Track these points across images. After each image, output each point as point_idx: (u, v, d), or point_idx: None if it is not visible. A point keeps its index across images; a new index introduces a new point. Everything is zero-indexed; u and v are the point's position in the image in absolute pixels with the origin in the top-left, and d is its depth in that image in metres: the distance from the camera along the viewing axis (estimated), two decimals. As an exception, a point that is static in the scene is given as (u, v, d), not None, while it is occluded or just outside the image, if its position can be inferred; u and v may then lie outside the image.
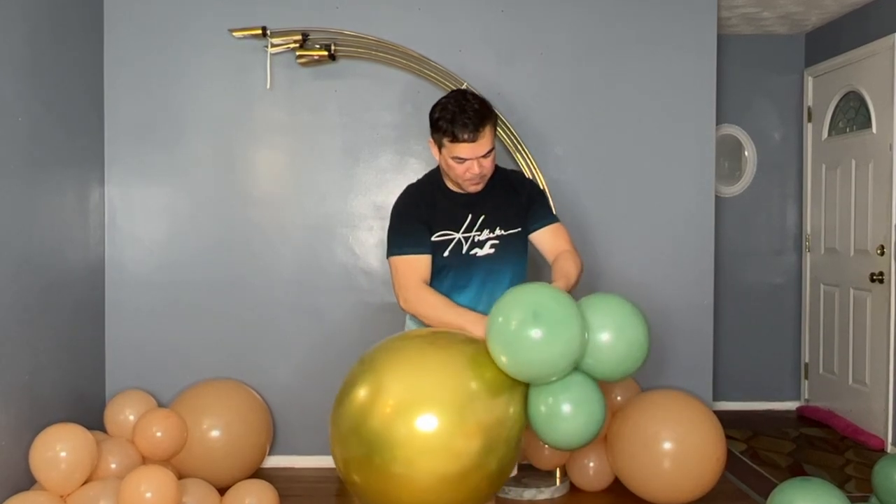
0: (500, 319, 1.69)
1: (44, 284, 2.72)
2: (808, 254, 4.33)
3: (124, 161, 3.22)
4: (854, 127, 3.94)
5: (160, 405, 3.04)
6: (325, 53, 3.12)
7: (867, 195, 3.77)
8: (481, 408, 1.63)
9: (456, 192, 2.03)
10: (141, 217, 3.24)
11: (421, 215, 1.99)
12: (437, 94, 3.22)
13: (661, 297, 3.32)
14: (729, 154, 4.36)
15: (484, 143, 1.90)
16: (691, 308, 3.34)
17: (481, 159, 1.92)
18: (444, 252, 1.99)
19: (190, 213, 3.25)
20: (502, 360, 1.69)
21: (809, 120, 4.30)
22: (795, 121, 4.36)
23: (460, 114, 1.88)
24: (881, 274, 3.64)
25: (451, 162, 1.93)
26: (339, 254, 3.28)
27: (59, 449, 2.34)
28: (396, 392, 1.63)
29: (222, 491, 2.57)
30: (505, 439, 1.66)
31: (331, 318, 3.26)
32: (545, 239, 2.10)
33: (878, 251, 3.66)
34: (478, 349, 1.74)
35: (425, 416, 1.58)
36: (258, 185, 3.28)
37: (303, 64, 3.17)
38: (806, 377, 4.32)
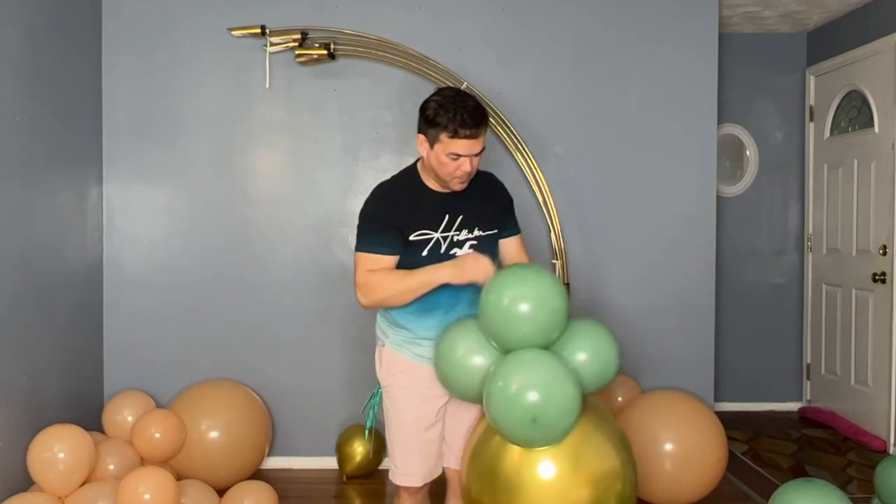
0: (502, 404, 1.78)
1: (42, 285, 2.71)
2: (810, 254, 4.31)
3: (123, 160, 3.22)
4: (856, 126, 3.93)
5: (159, 406, 3.03)
6: (325, 52, 3.11)
7: (869, 195, 3.76)
8: (592, 460, 1.81)
9: (434, 191, 2.01)
10: (139, 217, 3.23)
11: (394, 219, 1.95)
12: (437, 94, 3.23)
13: (663, 298, 3.31)
14: (730, 153, 4.34)
15: (480, 140, 1.93)
16: (692, 308, 3.33)
17: (473, 157, 1.93)
18: (422, 251, 1.97)
19: (189, 212, 3.24)
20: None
21: (811, 119, 4.29)
22: (797, 120, 4.35)
23: (462, 110, 1.88)
24: (883, 274, 3.62)
25: (444, 158, 1.91)
26: (338, 254, 3.27)
27: (58, 450, 2.34)
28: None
29: (221, 492, 2.56)
30: (616, 494, 1.83)
31: (330, 318, 3.25)
32: (511, 247, 2.15)
33: (881, 251, 3.65)
34: (596, 408, 1.93)
35: (545, 463, 1.78)
36: (257, 185, 3.26)
37: (302, 63, 3.16)
38: (808, 378, 4.31)
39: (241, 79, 3.22)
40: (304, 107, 3.24)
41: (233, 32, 3.13)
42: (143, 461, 2.70)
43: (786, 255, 4.38)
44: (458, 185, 1.97)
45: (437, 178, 1.98)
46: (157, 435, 2.72)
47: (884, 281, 3.62)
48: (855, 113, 3.95)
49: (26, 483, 2.49)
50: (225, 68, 3.22)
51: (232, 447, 2.89)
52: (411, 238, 1.96)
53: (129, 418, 2.84)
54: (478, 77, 3.20)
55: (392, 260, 1.95)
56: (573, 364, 1.85)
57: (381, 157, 3.27)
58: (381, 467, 3.23)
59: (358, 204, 3.20)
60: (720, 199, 4.10)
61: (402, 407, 2.04)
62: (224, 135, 3.24)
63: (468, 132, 1.88)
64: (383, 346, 2.09)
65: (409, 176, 2.04)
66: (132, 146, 3.21)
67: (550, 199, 3.21)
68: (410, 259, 1.97)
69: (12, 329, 2.51)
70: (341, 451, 3.12)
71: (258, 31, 3.10)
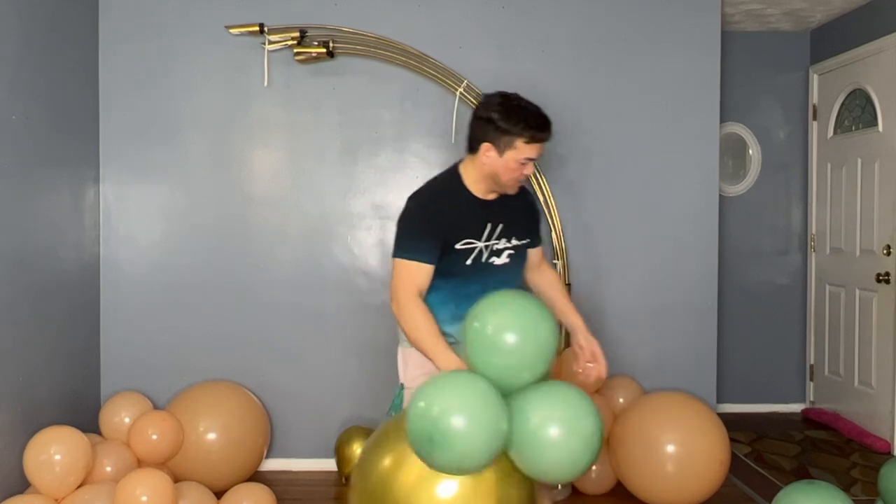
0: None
1: (38, 285, 2.70)
2: (814, 254, 4.28)
3: (120, 160, 3.20)
4: (860, 125, 3.90)
5: (156, 407, 3.01)
6: (324, 50, 3.09)
7: (873, 194, 3.73)
8: (495, 475, 1.68)
9: (477, 198, 2.03)
10: (136, 217, 3.21)
11: (439, 227, 1.97)
12: (436, 92, 3.21)
13: (665, 298, 3.29)
14: (733, 153, 4.32)
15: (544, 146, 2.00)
16: (695, 309, 3.31)
17: (534, 161, 2.00)
18: (466, 260, 2.00)
19: (186, 212, 3.22)
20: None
21: (815, 118, 4.26)
22: (800, 119, 4.32)
23: (536, 116, 1.94)
24: (887, 274, 3.59)
25: (513, 164, 1.95)
26: (337, 254, 3.25)
27: (54, 452, 2.33)
28: (418, 463, 1.68)
29: (219, 494, 2.55)
30: (517, 499, 1.72)
31: (329, 318, 3.23)
32: (533, 255, 2.20)
33: (885, 251, 3.62)
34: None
35: (446, 482, 1.66)
36: (255, 185, 3.24)
37: (301, 61, 3.14)
38: (811, 379, 4.28)
39: (238, 77, 3.20)
40: (302, 106, 3.22)
41: (231, 30, 3.11)
42: (140, 463, 2.69)
43: (789, 254, 4.35)
44: (513, 190, 2.04)
45: (491, 183, 2.01)
46: (155, 436, 2.70)
47: (888, 281, 3.59)
48: (859, 112, 3.92)
49: (23, 485, 2.47)
50: (222, 67, 3.20)
51: (230, 449, 2.87)
52: (457, 247, 1.98)
53: (127, 420, 2.82)
54: (478, 75, 3.18)
55: (431, 269, 1.97)
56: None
57: (380, 156, 3.25)
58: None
59: (357, 203, 3.26)
60: (723, 199, 4.07)
61: None
62: (222, 134, 3.22)
63: (544, 136, 1.95)
64: (408, 346, 2.10)
65: (452, 182, 2.05)
66: (129, 146, 3.20)
67: (551, 198, 3.19)
68: (453, 267, 1.99)
69: (8, 330, 2.49)
70: (340, 453, 3.09)
71: (256, 29, 3.08)
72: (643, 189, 3.29)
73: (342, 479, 3.10)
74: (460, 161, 2.08)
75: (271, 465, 3.22)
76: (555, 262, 3.20)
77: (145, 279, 3.20)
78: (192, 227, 3.22)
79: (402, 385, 2.17)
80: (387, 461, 1.75)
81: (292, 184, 3.25)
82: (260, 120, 3.23)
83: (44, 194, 2.76)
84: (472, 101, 3.16)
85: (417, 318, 1.93)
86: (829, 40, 4.11)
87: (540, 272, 2.23)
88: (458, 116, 3.19)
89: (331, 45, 3.11)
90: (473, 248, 2.00)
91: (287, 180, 3.25)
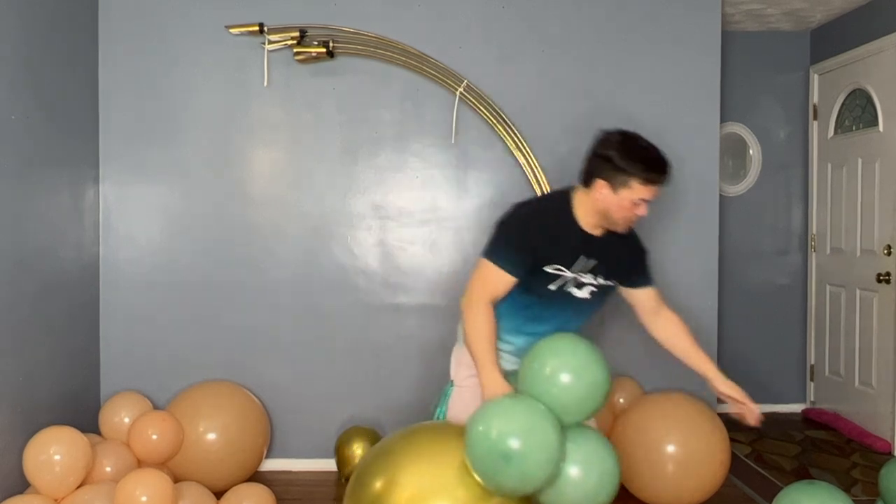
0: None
1: (37, 285, 2.69)
2: (814, 254, 4.28)
3: (119, 160, 3.19)
4: (860, 125, 3.90)
5: (156, 407, 3.00)
6: (324, 50, 3.09)
7: (874, 194, 3.73)
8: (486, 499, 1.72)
9: (581, 230, 2.03)
10: (136, 216, 3.21)
11: (535, 245, 1.98)
12: (436, 92, 3.21)
13: (664, 298, 3.27)
14: (733, 153, 4.32)
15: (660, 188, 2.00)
16: (695, 309, 3.29)
17: (648, 204, 1.99)
18: (549, 284, 2.01)
19: (186, 212, 3.22)
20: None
21: (815, 118, 4.25)
22: (801, 119, 4.32)
23: (653, 160, 1.95)
24: (888, 274, 3.59)
25: (626, 203, 1.96)
26: (337, 254, 3.24)
27: (53, 452, 2.32)
28: (411, 484, 1.74)
29: (219, 494, 2.54)
30: None
31: (329, 318, 3.23)
32: (645, 296, 2.18)
33: (885, 251, 3.61)
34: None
35: None
36: (255, 185, 3.24)
37: (300, 61, 3.14)
38: (811, 379, 4.28)
39: (238, 77, 3.19)
40: (302, 105, 3.22)
41: (230, 30, 3.10)
42: (139, 463, 2.68)
43: (789, 255, 4.35)
44: (624, 228, 2.04)
45: (602, 219, 2.01)
46: (155, 437, 2.70)
47: (888, 281, 3.59)
48: (859, 112, 3.92)
49: (22, 485, 2.47)
50: (222, 66, 3.19)
51: (230, 449, 2.86)
52: (545, 269, 2.00)
53: (126, 420, 2.82)
54: (478, 75, 3.17)
55: (513, 281, 1.99)
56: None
57: (380, 156, 3.25)
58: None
59: (357, 203, 3.26)
60: (723, 199, 4.07)
61: (466, 409, 2.05)
62: (221, 134, 3.22)
63: (661, 178, 1.96)
64: (464, 347, 2.12)
65: (561, 205, 2.05)
66: (129, 145, 3.19)
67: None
68: (535, 286, 2.01)
69: (8, 330, 2.49)
70: (340, 454, 3.09)
71: (256, 28, 3.07)
72: (643, 189, 3.28)
73: (342, 479, 3.10)
74: (573, 187, 2.07)
75: (271, 465, 3.22)
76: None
77: (145, 279, 3.19)
78: (192, 226, 3.22)
79: (451, 382, 2.20)
80: (379, 484, 1.77)
81: (292, 184, 3.24)
82: (260, 120, 3.22)
83: (43, 194, 2.76)
84: (472, 101, 3.16)
85: (481, 324, 1.96)
86: (830, 40, 4.11)
87: (661, 319, 2.19)
88: (458, 116, 3.19)
89: (331, 44, 3.10)
90: (560, 275, 2.01)
91: (287, 180, 3.24)
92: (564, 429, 1.77)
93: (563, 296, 2.03)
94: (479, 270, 2.02)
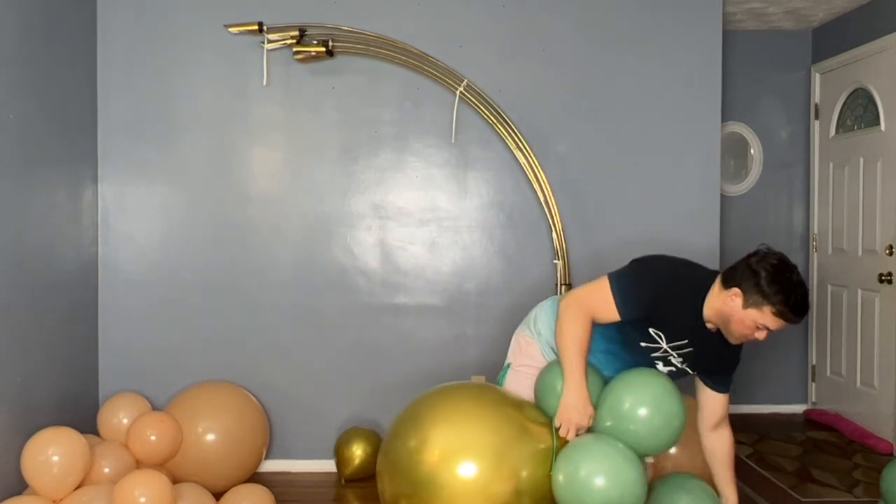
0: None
1: (36, 285, 2.68)
2: (816, 254, 4.27)
3: (118, 159, 3.18)
4: (862, 124, 3.88)
5: (154, 408, 3.00)
6: (323, 49, 3.08)
7: (875, 194, 3.72)
8: (515, 455, 1.88)
9: (698, 317, 2.00)
10: (135, 216, 3.20)
11: (657, 306, 1.98)
12: (436, 91, 3.20)
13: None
14: (734, 152, 4.30)
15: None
16: (696, 309, 3.29)
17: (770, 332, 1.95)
18: (641, 341, 2.03)
19: (185, 212, 3.21)
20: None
21: (816, 117, 4.24)
22: (802, 118, 4.30)
23: (802, 300, 1.89)
24: (889, 274, 3.58)
25: (749, 323, 1.92)
26: (336, 254, 3.23)
27: (52, 453, 2.31)
28: (442, 442, 1.90)
29: (218, 495, 2.53)
30: (537, 479, 1.89)
31: (328, 319, 3.22)
32: (717, 402, 2.16)
33: (887, 251, 3.60)
34: (519, 409, 2.00)
35: (467, 463, 1.85)
36: (254, 184, 3.23)
37: (300, 60, 3.12)
38: (813, 380, 4.26)
39: (237, 76, 3.18)
40: (301, 105, 3.21)
41: (230, 29, 3.09)
42: (138, 464, 2.67)
43: (791, 254, 4.22)
44: (733, 340, 2.00)
45: (718, 322, 1.98)
46: (153, 437, 2.68)
47: (890, 281, 3.57)
48: (861, 111, 3.90)
49: (20, 486, 2.46)
50: (221, 65, 3.18)
51: (229, 450, 2.85)
52: (650, 329, 2.01)
53: (125, 421, 2.80)
54: (478, 74, 3.16)
55: (617, 318, 2.00)
56: None
57: (379, 155, 3.24)
58: (380, 470, 3.19)
59: (356, 203, 3.24)
60: (724, 199, 4.06)
61: (522, 390, 2.15)
62: (221, 133, 3.21)
63: (795, 319, 1.90)
64: (531, 338, 2.21)
65: (697, 287, 2.02)
66: (127, 144, 3.18)
67: (552, 198, 3.17)
68: (631, 332, 2.03)
69: (6, 330, 2.48)
70: (340, 454, 3.08)
71: (255, 27, 3.06)
72: (644, 189, 3.27)
73: (341, 480, 3.09)
74: (717, 275, 2.02)
75: (270, 465, 3.21)
76: (555, 262, 3.18)
77: (144, 279, 3.18)
78: (191, 226, 3.21)
79: (508, 364, 2.24)
80: (412, 442, 1.91)
81: (291, 183, 3.23)
82: (259, 119, 3.21)
83: (41, 194, 2.75)
84: (472, 100, 3.15)
85: (577, 332, 1.98)
86: (831, 39, 4.09)
87: (718, 434, 2.18)
88: (458, 116, 3.18)
89: (330, 43, 3.09)
90: (656, 344, 2.03)
91: (286, 180, 3.23)
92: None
93: (646, 359, 2.06)
94: (599, 286, 2.02)
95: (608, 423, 1.94)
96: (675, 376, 2.09)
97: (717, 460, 2.19)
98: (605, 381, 2.07)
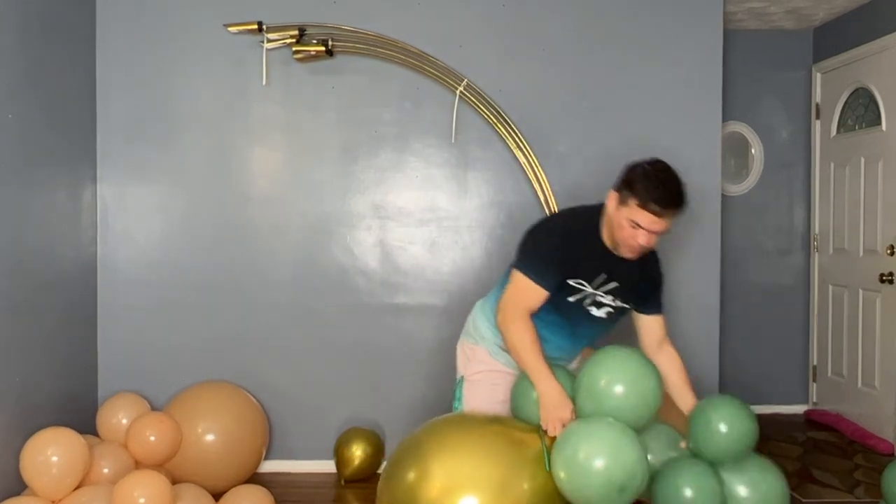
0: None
1: (35, 285, 2.68)
2: (817, 254, 4.26)
3: (117, 159, 3.18)
4: (863, 124, 3.88)
5: (154, 408, 2.99)
6: (323, 49, 3.07)
7: (877, 194, 3.71)
8: (519, 490, 1.80)
9: (605, 246, 2.05)
10: (134, 216, 3.19)
11: (564, 258, 2.01)
12: (436, 91, 3.19)
13: (666, 298, 3.25)
14: (735, 152, 4.29)
15: (665, 222, 1.95)
16: (697, 309, 3.28)
17: (651, 234, 1.96)
18: (570, 296, 2.04)
19: (184, 212, 3.20)
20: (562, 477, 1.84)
21: (818, 117, 4.23)
22: (803, 118, 4.29)
23: (662, 187, 1.92)
24: (891, 274, 3.57)
25: (624, 222, 1.96)
26: (336, 254, 3.23)
27: (51, 453, 2.30)
28: (441, 476, 1.82)
29: (217, 496, 2.53)
30: None
31: (328, 319, 3.21)
32: (653, 324, 2.19)
33: (888, 251, 3.59)
34: (521, 441, 1.91)
35: (468, 497, 1.76)
36: (254, 184, 3.22)
37: (299, 60, 3.12)
38: (814, 380, 4.25)
39: (237, 76, 3.17)
40: (301, 104, 3.20)
41: (229, 28, 3.08)
42: (137, 465, 2.66)
43: (792, 254, 4.32)
44: (626, 253, 2.02)
45: (610, 237, 2.03)
46: (153, 438, 2.68)
47: (891, 281, 3.56)
48: (862, 111, 3.90)
49: (19, 487, 2.46)
50: (221, 65, 3.18)
51: (228, 450, 2.84)
52: (569, 281, 2.02)
53: (124, 421, 2.80)
54: (478, 74, 3.15)
55: (546, 295, 2.01)
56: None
57: (379, 155, 3.23)
58: (379, 471, 3.18)
59: (356, 203, 3.24)
60: (725, 198, 4.03)
61: (483, 398, 2.14)
62: (220, 133, 3.20)
63: (658, 209, 1.92)
64: (475, 344, 2.20)
65: (589, 221, 2.07)
66: (127, 144, 3.18)
67: (552, 197, 3.16)
68: (556, 296, 2.03)
69: (5, 330, 2.47)
70: (339, 455, 3.08)
71: (255, 27, 3.05)
72: (645, 188, 3.27)
73: (341, 480, 3.08)
74: (604, 205, 2.06)
75: (270, 466, 3.20)
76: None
77: (143, 279, 3.18)
78: (191, 226, 3.20)
79: (461, 377, 2.22)
80: (412, 475, 1.84)
81: (291, 183, 3.22)
82: (258, 119, 3.20)
83: (41, 193, 2.74)
84: (472, 100, 3.14)
85: (524, 338, 1.98)
86: (832, 39, 4.08)
87: (663, 353, 2.19)
88: (458, 115, 3.17)
89: (330, 43, 3.08)
90: (581, 291, 2.04)
91: (286, 180, 3.23)
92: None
93: (580, 311, 2.06)
94: (515, 282, 2.03)
95: (589, 407, 1.90)
96: (613, 317, 2.11)
97: (670, 379, 2.17)
98: (572, 374, 2.06)
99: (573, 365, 2.22)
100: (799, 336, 4.31)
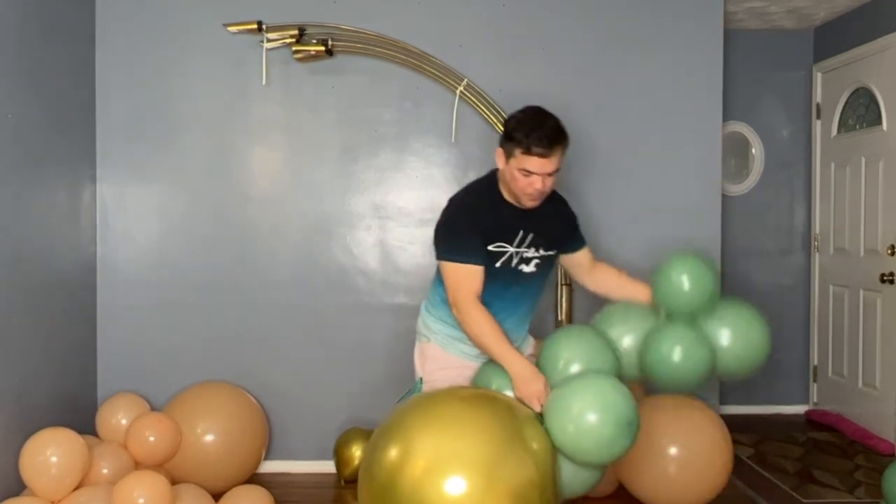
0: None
1: (34, 285, 2.68)
2: (817, 254, 4.25)
3: (117, 159, 3.17)
4: (864, 124, 3.87)
5: (153, 409, 2.99)
6: (323, 49, 3.07)
7: (877, 194, 3.70)
8: (510, 472, 1.66)
9: (511, 205, 2.07)
10: (134, 216, 3.19)
11: (479, 226, 2.02)
12: (436, 91, 3.19)
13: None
14: (736, 152, 4.29)
15: (553, 161, 1.97)
16: (697, 309, 3.27)
17: (546, 177, 1.98)
18: (496, 262, 2.04)
19: (184, 212, 3.20)
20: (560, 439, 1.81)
21: (818, 117, 4.23)
22: (804, 118, 4.29)
23: (538, 128, 1.95)
24: (891, 274, 3.56)
25: (516, 173, 1.98)
26: (336, 254, 3.22)
27: (50, 454, 2.30)
28: (427, 453, 1.68)
29: (217, 497, 2.52)
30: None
31: (328, 319, 3.21)
32: (582, 258, 2.26)
33: (889, 251, 3.59)
34: (512, 414, 1.80)
35: (454, 478, 1.63)
36: (254, 184, 3.22)
37: (299, 59, 3.11)
38: (815, 380, 4.25)
39: (237, 75, 3.17)
40: (301, 104, 3.20)
41: (229, 28, 3.08)
42: (137, 465, 2.66)
43: (792, 255, 4.32)
44: (528, 202, 2.03)
45: (509, 192, 2.05)
46: (152, 438, 2.67)
47: (892, 281, 3.56)
48: (863, 110, 3.89)
49: (18, 487, 2.45)
50: (220, 65, 3.17)
51: (228, 451, 2.84)
52: (490, 248, 2.03)
53: (124, 421, 2.80)
54: (478, 74, 3.15)
55: (481, 271, 2.00)
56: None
57: (379, 155, 3.23)
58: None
59: (356, 203, 3.23)
60: (725, 198, 4.04)
61: None
62: (220, 132, 3.20)
63: (540, 150, 1.93)
64: (428, 342, 2.18)
65: (488, 186, 2.10)
66: (126, 144, 3.17)
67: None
68: (486, 268, 2.03)
69: (4, 330, 2.47)
70: (339, 455, 3.07)
71: (254, 26, 3.05)
72: (645, 188, 3.26)
73: (341, 481, 3.08)
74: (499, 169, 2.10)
75: (270, 467, 3.20)
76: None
77: (143, 279, 3.17)
78: (190, 226, 3.20)
79: (420, 379, 2.21)
80: (393, 454, 1.71)
81: (291, 183, 3.22)
82: (258, 119, 3.20)
83: (40, 193, 2.74)
84: (472, 100, 3.14)
85: (482, 324, 1.97)
86: (833, 38, 4.08)
87: (597, 271, 2.26)
88: (458, 115, 3.16)
89: (330, 43, 3.08)
90: (505, 252, 2.05)
91: (286, 180, 3.22)
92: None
93: (510, 272, 2.06)
94: (450, 275, 2.03)
95: (563, 371, 1.91)
96: (544, 268, 2.13)
97: (610, 280, 2.25)
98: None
99: (528, 351, 2.21)
100: (799, 336, 4.30)
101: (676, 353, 1.94)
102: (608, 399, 1.79)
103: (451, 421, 1.74)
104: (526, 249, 2.07)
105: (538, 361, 1.98)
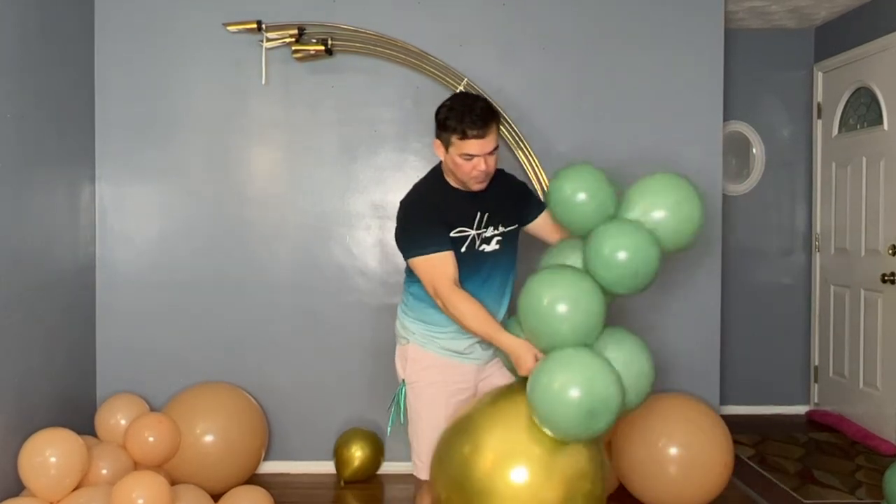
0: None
1: (33, 285, 2.67)
2: (818, 254, 4.24)
3: (116, 159, 3.17)
4: (865, 123, 3.86)
5: (152, 409, 2.99)
6: (322, 48, 3.06)
7: (878, 193, 3.69)
8: (565, 463, 1.85)
9: (462, 191, 2.09)
10: (133, 216, 3.18)
11: (438, 214, 2.04)
12: (436, 90, 3.18)
13: (667, 299, 3.25)
14: (736, 151, 4.28)
15: (490, 140, 1.99)
16: (698, 309, 3.28)
17: (487, 157, 2.00)
18: (461, 248, 2.06)
19: (183, 211, 3.19)
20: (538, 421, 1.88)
21: (819, 116, 4.22)
22: (804, 117, 4.28)
23: (469, 112, 1.97)
24: (892, 274, 3.56)
25: (458, 160, 2.00)
26: (336, 254, 3.22)
27: (49, 454, 2.30)
28: (494, 449, 1.87)
29: (216, 497, 2.52)
30: (584, 493, 1.86)
31: (327, 319, 3.20)
32: (544, 222, 2.24)
33: (890, 251, 3.58)
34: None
35: (518, 469, 1.82)
36: (253, 184, 3.21)
37: (299, 59, 3.11)
38: (815, 381, 4.24)
39: (236, 75, 3.17)
40: (300, 104, 3.19)
41: (228, 28, 3.08)
42: (136, 465, 2.66)
43: (793, 254, 4.31)
44: (475, 185, 2.05)
45: (455, 180, 2.08)
46: (151, 439, 2.67)
47: (893, 281, 3.55)
48: (864, 110, 3.88)
49: (17, 488, 2.45)
50: (220, 64, 3.17)
51: (227, 451, 2.84)
52: (452, 235, 2.05)
53: (123, 422, 2.80)
54: (478, 74, 3.14)
55: (451, 257, 2.02)
56: None
57: (379, 154, 3.22)
58: (379, 472, 3.18)
59: (356, 203, 3.23)
60: (726, 198, 4.04)
61: (428, 402, 2.11)
62: (219, 132, 3.19)
63: (476, 132, 1.96)
64: (407, 343, 2.17)
65: (435, 179, 2.13)
66: (125, 144, 3.17)
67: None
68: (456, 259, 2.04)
69: (3, 331, 2.47)
70: (339, 456, 3.07)
71: (254, 26, 3.05)
72: (645, 188, 3.25)
73: (341, 481, 3.07)
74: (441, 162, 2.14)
75: (269, 467, 3.19)
76: (556, 262, 3.17)
77: (142, 279, 3.17)
78: (190, 226, 3.19)
79: (403, 381, 2.20)
80: (466, 449, 1.87)
81: (290, 183, 3.22)
82: (258, 118, 3.20)
83: (39, 193, 2.73)
84: (472, 100, 3.13)
85: (466, 309, 1.98)
86: (834, 38, 4.07)
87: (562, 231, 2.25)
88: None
89: (329, 42, 3.08)
90: (467, 236, 2.07)
91: (285, 179, 3.22)
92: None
93: (475, 256, 2.08)
94: (422, 270, 2.04)
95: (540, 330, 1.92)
96: (507, 244, 2.14)
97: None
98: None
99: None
100: (800, 336, 4.29)
101: (622, 256, 2.00)
102: (580, 383, 1.81)
103: (514, 420, 1.89)
104: (485, 230, 2.09)
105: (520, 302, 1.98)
